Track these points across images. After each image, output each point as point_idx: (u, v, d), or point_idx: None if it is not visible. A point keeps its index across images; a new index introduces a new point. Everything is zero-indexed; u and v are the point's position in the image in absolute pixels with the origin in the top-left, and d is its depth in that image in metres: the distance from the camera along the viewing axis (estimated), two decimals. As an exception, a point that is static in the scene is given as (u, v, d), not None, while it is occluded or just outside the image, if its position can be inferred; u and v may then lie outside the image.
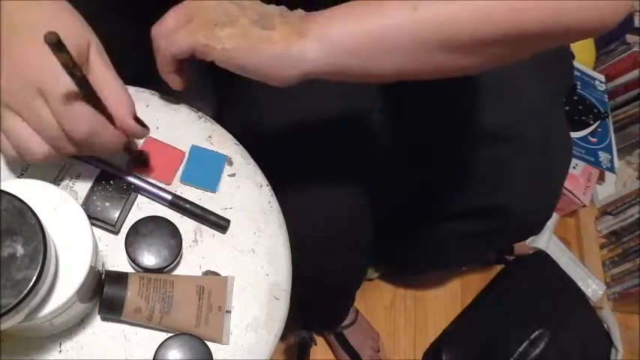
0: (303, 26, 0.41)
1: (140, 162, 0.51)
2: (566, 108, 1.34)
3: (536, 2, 0.38)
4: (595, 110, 1.38)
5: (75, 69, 0.36)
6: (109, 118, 0.42)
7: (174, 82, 0.49)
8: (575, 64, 1.40)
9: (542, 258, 1.22)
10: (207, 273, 0.49)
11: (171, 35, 0.44)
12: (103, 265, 0.46)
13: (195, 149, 0.53)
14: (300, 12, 0.43)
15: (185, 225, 0.50)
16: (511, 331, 1.09)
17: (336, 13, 0.41)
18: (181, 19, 0.45)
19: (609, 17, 0.41)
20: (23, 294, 0.33)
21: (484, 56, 0.42)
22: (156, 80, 0.49)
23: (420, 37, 0.40)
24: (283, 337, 0.56)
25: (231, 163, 0.54)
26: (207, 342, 0.45)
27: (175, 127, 0.54)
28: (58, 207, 0.39)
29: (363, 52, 0.41)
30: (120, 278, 0.44)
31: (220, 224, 0.50)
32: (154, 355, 0.44)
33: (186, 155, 0.53)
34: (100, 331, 0.45)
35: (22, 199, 0.35)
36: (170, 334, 0.45)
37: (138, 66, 0.47)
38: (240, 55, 0.42)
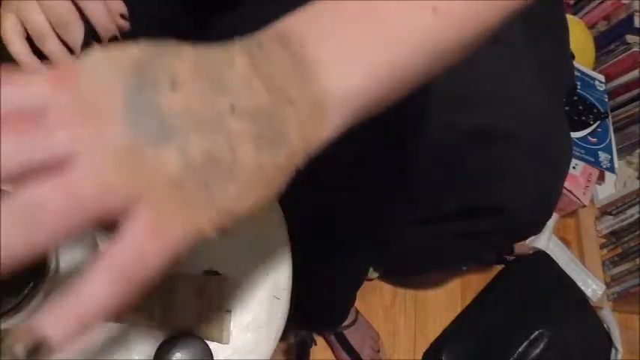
0: (315, 100, 0.27)
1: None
2: (566, 108, 1.34)
3: None
4: (595, 110, 1.38)
5: None
6: None
7: None
8: (575, 64, 1.39)
9: (542, 258, 1.22)
10: (207, 273, 0.49)
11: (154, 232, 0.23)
12: (103, 265, 0.46)
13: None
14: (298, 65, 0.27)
15: (185, 225, 0.50)
16: (511, 331, 1.09)
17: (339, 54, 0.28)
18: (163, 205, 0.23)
19: None
20: (23, 294, 0.33)
21: None
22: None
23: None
24: (283, 337, 0.55)
25: (231, 163, 0.54)
26: (207, 342, 0.45)
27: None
28: (58, 207, 0.39)
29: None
30: (120, 278, 0.44)
31: (220, 224, 0.50)
32: (154, 355, 0.44)
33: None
34: (100, 331, 0.45)
35: (22, 199, 0.35)
36: (170, 334, 0.45)
37: None
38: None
